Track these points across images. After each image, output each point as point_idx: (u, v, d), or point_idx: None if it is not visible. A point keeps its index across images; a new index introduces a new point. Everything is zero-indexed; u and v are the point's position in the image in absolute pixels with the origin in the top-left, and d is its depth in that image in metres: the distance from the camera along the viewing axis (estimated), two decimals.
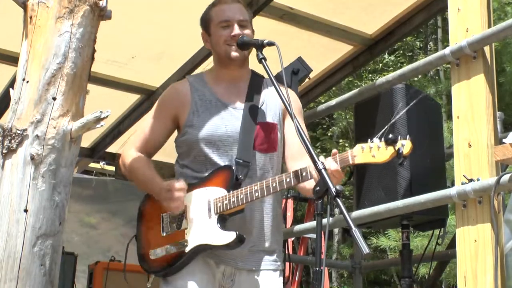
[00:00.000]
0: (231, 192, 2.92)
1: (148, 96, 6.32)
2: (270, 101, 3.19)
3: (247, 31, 3.13)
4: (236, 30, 3.11)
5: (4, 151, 2.42)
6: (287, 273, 8.04)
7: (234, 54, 3.11)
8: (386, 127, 3.28)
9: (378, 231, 9.93)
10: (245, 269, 3.02)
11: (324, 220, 2.69)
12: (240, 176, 2.98)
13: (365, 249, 2.31)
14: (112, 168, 7.71)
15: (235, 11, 3.15)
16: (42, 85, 2.46)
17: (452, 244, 5.26)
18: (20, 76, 2.52)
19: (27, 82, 2.48)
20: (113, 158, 7.43)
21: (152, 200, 3.10)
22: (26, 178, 2.38)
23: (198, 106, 3.10)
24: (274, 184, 2.85)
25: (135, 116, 6.47)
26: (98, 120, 2.45)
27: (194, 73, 5.65)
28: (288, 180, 2.83)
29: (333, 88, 7.91)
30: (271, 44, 2.98)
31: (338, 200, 2.45)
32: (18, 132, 2.41)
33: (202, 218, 2.95)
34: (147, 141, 3.18)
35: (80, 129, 2.46)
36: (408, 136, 2.59)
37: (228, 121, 3.08)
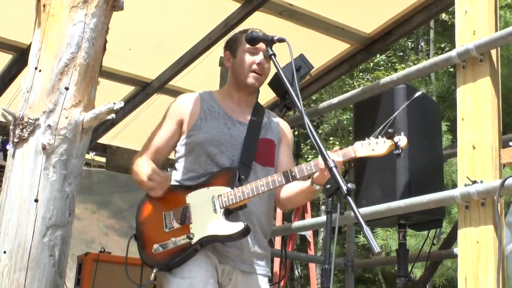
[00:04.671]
0: (235, 188, 3.03)
1: (142, 88, 6.31)
2: (272, 125, 3.37)
3: (267, 65, 3.27)
4: (260, 58, 3.24)
5: (15, 140, 2.40)
6: (276, 270, 8.06)
7: (251, 81, 3.24)
8: (383, 126, 3.35)
9: None
10: (240, 270, 3.11)
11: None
12: (243, 177, 3.09)
13: (376, 248, 2.34)
14: (102, 159, 7.71)
15: None
16: (55, 75, 2.44)
17: (445, 245, 5.30)
18: (32, 65, 2.49)
19: (40, 71, 2.46)
20: (105, 149, 7.44)
21: (152, 200, 3.17)
22: (37, 168, 2.37)
23: (206, 114, 3.24)
24: (279, 179, 3.01)
25: (128, 107, 6.44)
26: (111, 111, 2.44)
27: (191, 65, 5.68)
28: (293, 174, 3.00)
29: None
30: (281, 40, 3.01)
31: (349, 198, 2.47)
32: (30, 121, 2.39)
33: (207, 213, 3.04)
34: (156, 149, 3.26)
35: (92, 120, 2.45)
36: (402, 133, 2.99)
37: (233, 131, 3.21)
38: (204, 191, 3.09)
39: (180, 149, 3.26)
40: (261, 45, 3.19)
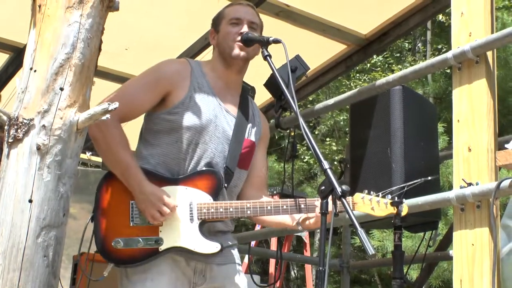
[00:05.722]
0: (218, 201, 2.92)
1: None
2: (256, 120, 3.26)
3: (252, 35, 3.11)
4: (245, 28, 3.11)
5: (10, 140, 2.39)
6: (271, 271, 8.08)
7: (236, 52, 3.10)
8: (391, 189, 3.36)
9: None
10: (215, 263, 3.00)
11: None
12: (226, 185, 2.99)
13: (371, 250, 2.33)
14: (99, 159, 7.68)
15: (248, 13, 3.18)
16: (50, 75, 2.43)
17: (441, 247, 5.30)
18: (27, 65, 2.48)
19: (35, 71, 2.45)
20: None
21: (119, 182, 2.93)
22: (32, 168, 2.35)
23: (196, 93, 3.05)
24: (268, 207, 2.94)
25: None
26: (105, 112, 2.43)
27: None
28: (284, 207, 2.94)
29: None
30: (277, 41, 2.97)
31: (344, 201, 2.46)
32: (25, 121, 2.38)
33: (181, 220, 2.89)
34: (131, 111, 3.04)
35: (87, 120, 2.44)
36: (403, 200, 3.04)
37: (220, 120, 3.06)
38: (181, 190, 2.91)
39: (158, 122, 3.04)
40: (245, 15, 3.14)
